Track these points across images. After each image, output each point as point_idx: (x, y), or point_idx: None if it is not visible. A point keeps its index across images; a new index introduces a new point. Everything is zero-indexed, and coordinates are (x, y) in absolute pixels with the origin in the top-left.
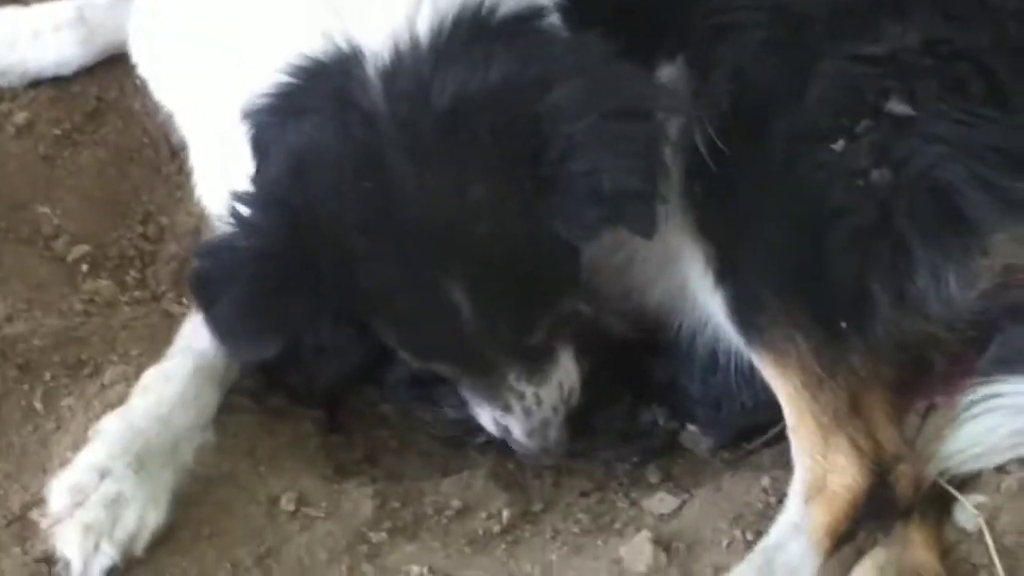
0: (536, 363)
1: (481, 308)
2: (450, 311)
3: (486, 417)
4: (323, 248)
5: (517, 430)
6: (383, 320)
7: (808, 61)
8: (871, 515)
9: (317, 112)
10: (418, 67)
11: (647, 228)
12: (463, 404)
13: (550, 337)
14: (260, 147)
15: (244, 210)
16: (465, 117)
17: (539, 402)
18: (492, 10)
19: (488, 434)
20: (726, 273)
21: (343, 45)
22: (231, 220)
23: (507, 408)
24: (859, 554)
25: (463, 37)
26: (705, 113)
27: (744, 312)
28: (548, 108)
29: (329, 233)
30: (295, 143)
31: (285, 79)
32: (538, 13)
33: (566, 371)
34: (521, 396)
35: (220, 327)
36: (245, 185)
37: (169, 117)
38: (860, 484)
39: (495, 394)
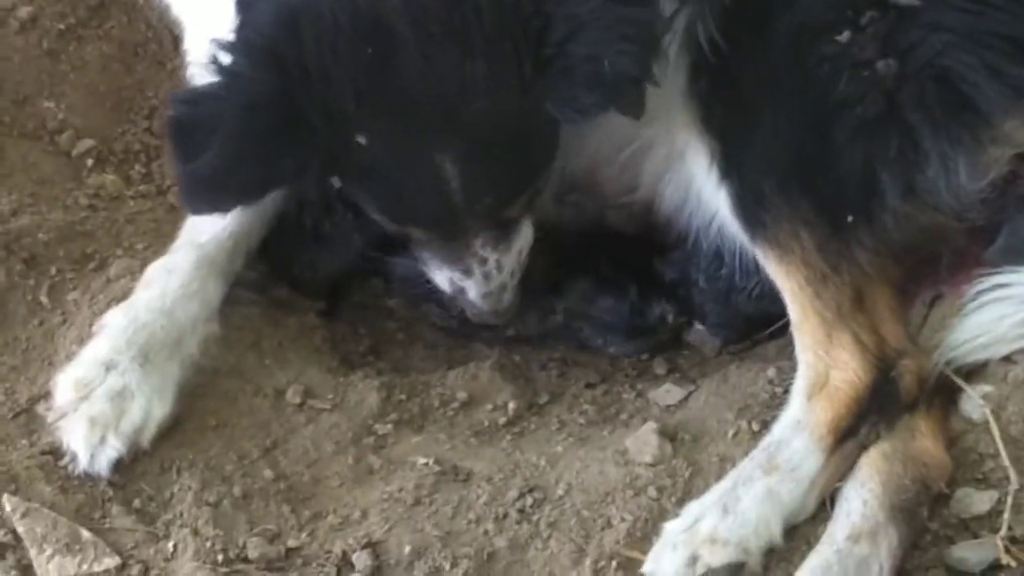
0: (503, 232)
1: (468, 181)
2: (437, 181)
3: (442, 277)
4: (312, 105)
5: (473, 292)
6: (365, 183)
7: None
8: (874, 411)
9: None
10: None
11: (636, 110)
12: None
13: (522, 211)
14: (245, 4)
15: (227, 59)
16: None
17: (499, 268)
18: None
19: None
20: (731, 168)
21: None
22: (213, 68)
23: (467, 272)
24: (863, 449)
25: None
26: (708, 7)
27: (748, 207)
28: None
29: (320, 91)
30: None
31: None
32: None
33: (524, 237)
34: (483, 261)
35: (198, 177)
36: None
37: (167, 8)
38: (863, 380)
39: (457, 258)
